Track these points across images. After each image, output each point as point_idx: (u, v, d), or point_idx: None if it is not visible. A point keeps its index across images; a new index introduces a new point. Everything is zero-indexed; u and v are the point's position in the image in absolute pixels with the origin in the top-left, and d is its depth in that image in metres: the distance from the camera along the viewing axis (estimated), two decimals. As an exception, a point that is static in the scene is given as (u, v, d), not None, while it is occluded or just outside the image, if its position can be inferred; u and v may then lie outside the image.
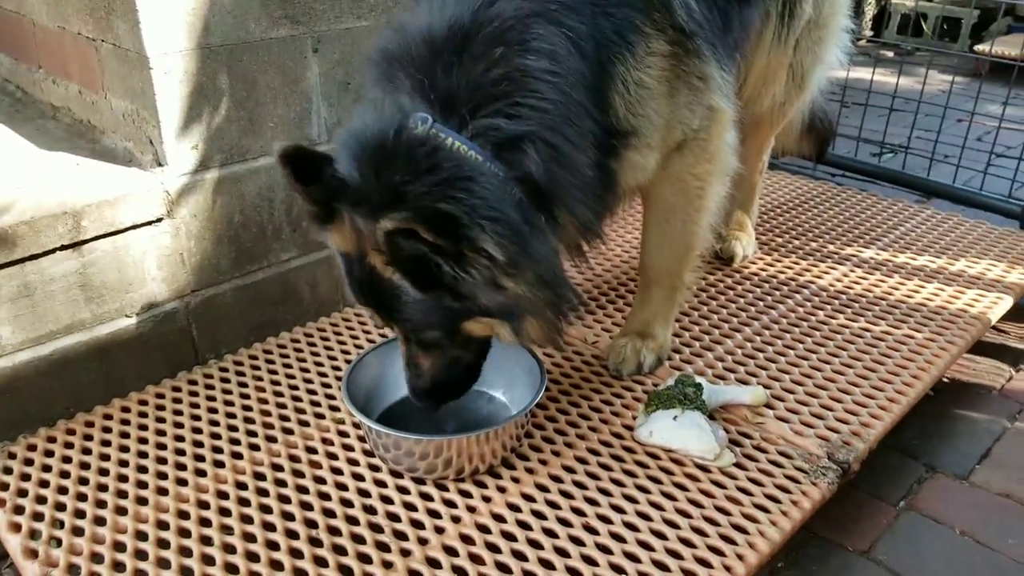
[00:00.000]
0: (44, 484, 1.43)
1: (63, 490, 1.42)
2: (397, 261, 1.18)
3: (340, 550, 1.29)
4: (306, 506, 1.37)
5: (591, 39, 1.29)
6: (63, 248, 1.52)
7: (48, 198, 1.52)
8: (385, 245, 1.15)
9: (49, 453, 1.50)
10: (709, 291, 2.05)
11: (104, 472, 1.46)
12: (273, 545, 1.30)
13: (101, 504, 1.38)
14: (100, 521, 1.35)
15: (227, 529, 1.33)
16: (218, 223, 1.73)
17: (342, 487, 1.42)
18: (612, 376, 1.72)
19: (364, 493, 1.40)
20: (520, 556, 1.28)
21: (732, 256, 2.17)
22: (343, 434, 1.55)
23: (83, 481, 1.44)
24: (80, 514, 1.36)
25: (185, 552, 1.29)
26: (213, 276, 1.76)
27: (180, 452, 1.50)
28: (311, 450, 1.51)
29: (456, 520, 1.35)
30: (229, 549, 1.30)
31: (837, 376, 1.71)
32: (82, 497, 1.40)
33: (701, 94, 1.46)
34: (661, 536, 1.30)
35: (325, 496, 1.40)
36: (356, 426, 1.55)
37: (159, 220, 1.64)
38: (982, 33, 5.40)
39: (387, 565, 1.26)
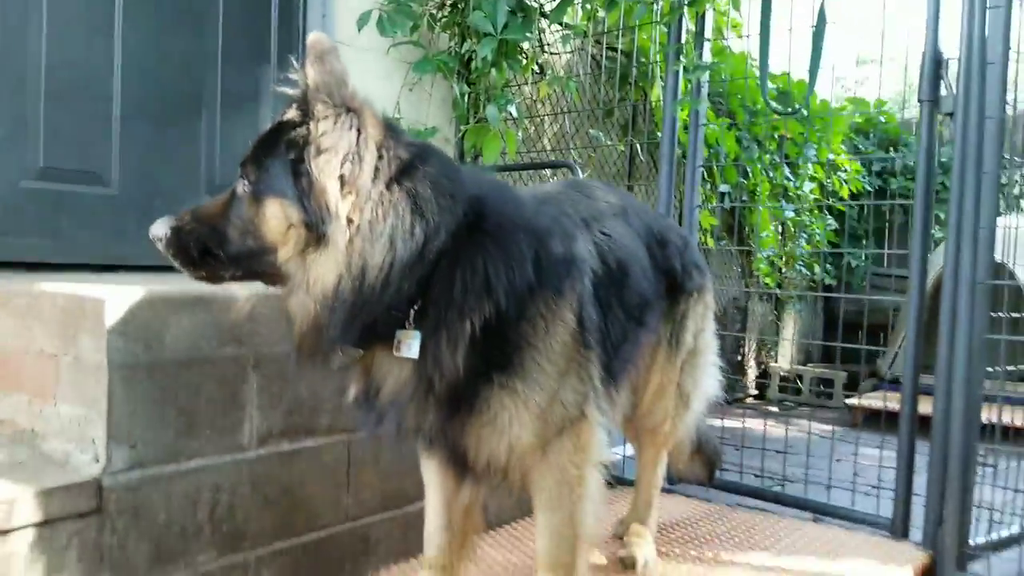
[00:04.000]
0: None
1: None
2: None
3: None
4: None
5: None
6: (-9, 536, 1.59)
7: (-14, 488, 1.62)
8: None
9: None
10: (610, 598, 2.15)
11: None
12: None
13: None
14: None
15: None
16: (143, 521, 1.82)
17: None
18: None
19: None
20: None
21: (634, 562, 2.30)
22: None
23: None
24: None
25: None
26: (129, 574, 1.80)
27: None
28: None
29: None
30: None
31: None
32: None
33: (585, 388, 1.73)
34: None
35: None
36: None
37: (88, 514, 1.73)
38: (855, 390, 6.14)
39: None
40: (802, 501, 3.01)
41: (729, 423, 3.56)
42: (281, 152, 1.50)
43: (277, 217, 1.48)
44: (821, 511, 2.95)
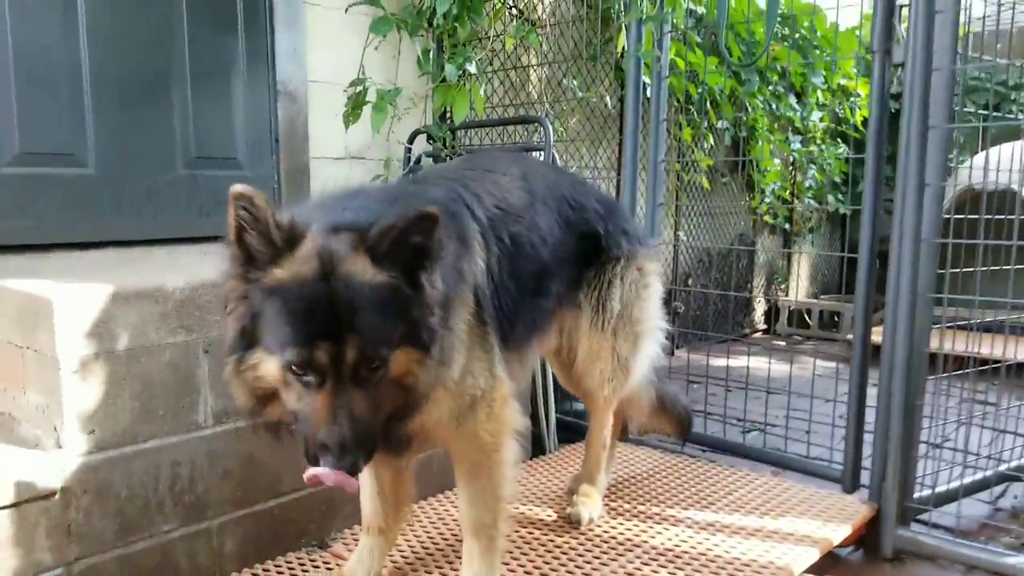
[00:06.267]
0: None
1: None
2: (391, 257, 1.44)
3: None
4: None
5: None
6: (-38, 519, 1.78)
7: (-44, 477, 1.80)
8: (384, 239, 1.43)
9: None
10: (554, 551, 2.29)
11: None
12: None
13: None
14: None
15: None
16: (106, 498, 2.00)
17: None
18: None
19: None
20: None
21: (579, 520, 2.44)
22: None
23: None
24: None
25: None
26: (97, 546, 1.99)
27: None
28: None
29: None
30: None
31: (648, 623, 1.93)
32: None
33: (489, 358, 1.83)
34: None
35: None
36: None
37: (53, 495, 1.91)
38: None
39: None
40: (762, 453, 3.11)
41: (731, 362, 3.61)
42: None
43: None
44: (779, 463, 3.04)
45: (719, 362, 3.68)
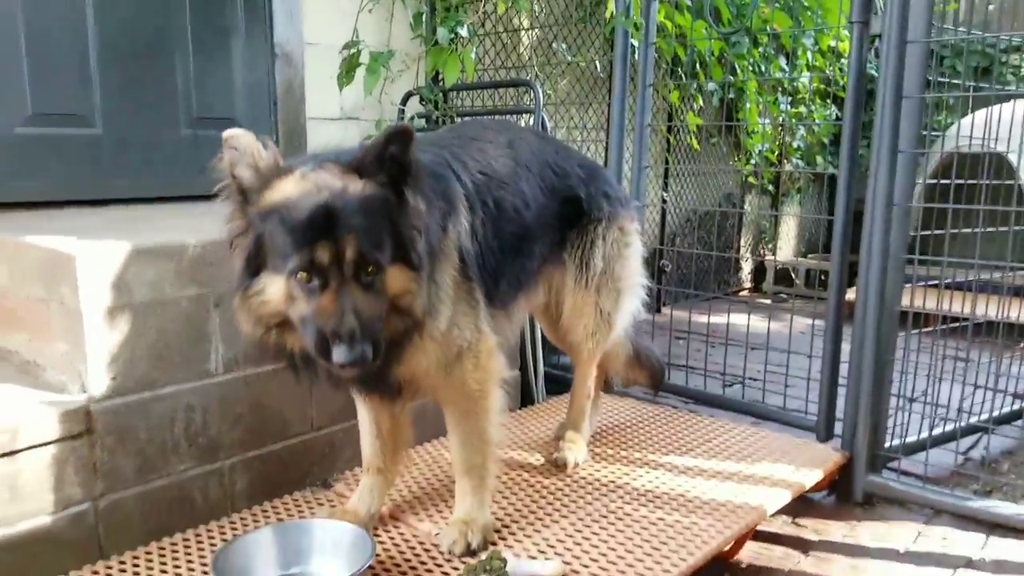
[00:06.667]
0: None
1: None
2: (373, 170, 1.63)
3: None
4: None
5: None
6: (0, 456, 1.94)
7: (-9, 418, 1.96)
8: (367, 156, 1.63)
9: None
10: (541, 491, 2.47)
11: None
12: None
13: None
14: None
15: None
16: (127, 439, 2.16)
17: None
18: (446, 558, 2.09)
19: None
20: None
21: (565, 463, 2.62)
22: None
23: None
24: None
25: None
26: (120, 483, 2.16)
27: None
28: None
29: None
30: None
31: (629, 552, 2.11)
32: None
33: (474, 313, 1.99)
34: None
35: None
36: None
37: (79, 435, 2.07)
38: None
39: None
40: (741, 404, 3.29)
41: (714, 319, 3.78)
42: None
43: None
44: (758, 414, 3.22)
45: (703, 319, 3.86)
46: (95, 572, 2.04)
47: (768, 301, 6.18)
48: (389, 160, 1.65)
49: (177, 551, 2.15)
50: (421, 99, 3.67)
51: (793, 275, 6.43)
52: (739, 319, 3.81)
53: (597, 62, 4.24)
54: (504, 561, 1.96)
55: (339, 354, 1.53)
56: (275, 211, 1.61)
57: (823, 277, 6.37)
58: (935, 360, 2.94)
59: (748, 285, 6.60)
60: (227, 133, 1.64)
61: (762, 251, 6.60)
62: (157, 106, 3.25)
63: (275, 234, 1.61)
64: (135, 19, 3.12)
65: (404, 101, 3.71)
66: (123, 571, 2.04)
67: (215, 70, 3.38)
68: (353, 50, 3.43)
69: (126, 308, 2.14)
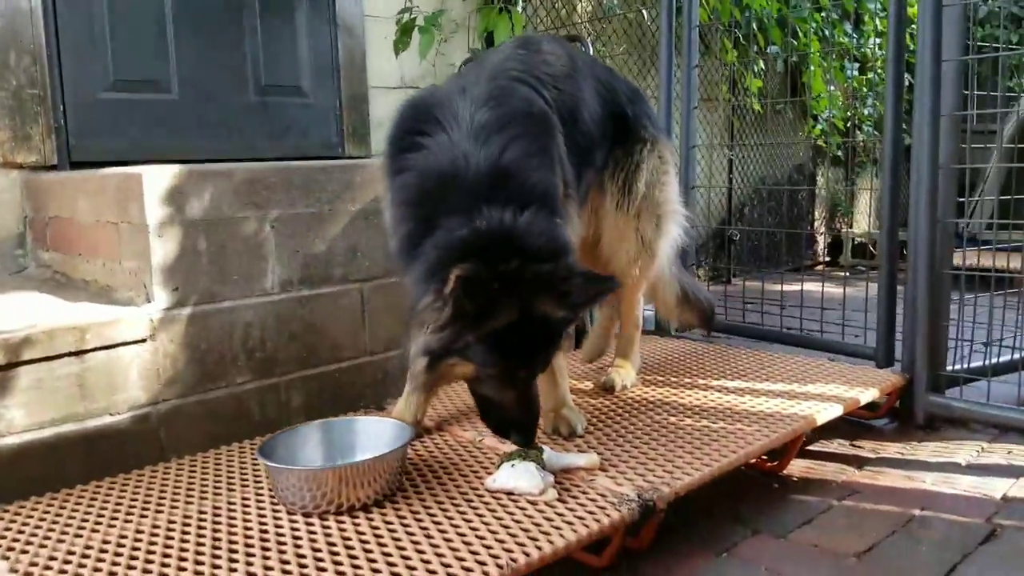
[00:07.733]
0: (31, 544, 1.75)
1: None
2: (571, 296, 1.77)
3: None
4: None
5: None
6: (70, 354, 2.10)
7: (64, 320, 2.13)
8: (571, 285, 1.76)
9: (35, 520, 1.91)
10: (589, 409, 2.48)
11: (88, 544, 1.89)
12: None
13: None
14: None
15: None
16: (188, 348, 2.30)
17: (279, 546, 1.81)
18: (485, 454, 2.14)
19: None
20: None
21: (612, 386, 2.62)
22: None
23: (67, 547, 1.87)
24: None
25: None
26: (181, 390, 2.29)
27: (144, 528, 1.94)
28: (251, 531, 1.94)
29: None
30: None
31: (670, 452, 2.10)
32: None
33: (571, 228, 2.08)
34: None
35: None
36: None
37: (143, 341, 2.22)
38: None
39: None
40: (800, 337, 3.21)
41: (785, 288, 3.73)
42: None
43: None
44: (814, 346, 3.15)
45: (776, 287, 3.80)
46: (154, 471, 2.16)
47: (845, 275, 5.98)
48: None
49: (233, 457, 2.25)
50: (477, 62, 3.79)
51: (872, 248, 6.22)
52: (813, 287, 3.72)
53: (647, 15, 4.27)
54: (541, 450, 1.99)
55: (516, 438, 1.94)
56: (486, 335, 1.74)
57: (903, 250, 6.14)
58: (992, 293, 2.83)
59: (824, 259, 6.41)
60: (456, 272, 1.64)
61: (838, 224, 6.42)
62: (228, 74, 3.47)
63: (483, 349, 1.77)
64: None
65: (463, 66, 3.83)
66: (181, 472, 2.15)
67: (281, 40, 3.58)
68: (407, 15, 3.58)
69: (187, 224, 2.29)
